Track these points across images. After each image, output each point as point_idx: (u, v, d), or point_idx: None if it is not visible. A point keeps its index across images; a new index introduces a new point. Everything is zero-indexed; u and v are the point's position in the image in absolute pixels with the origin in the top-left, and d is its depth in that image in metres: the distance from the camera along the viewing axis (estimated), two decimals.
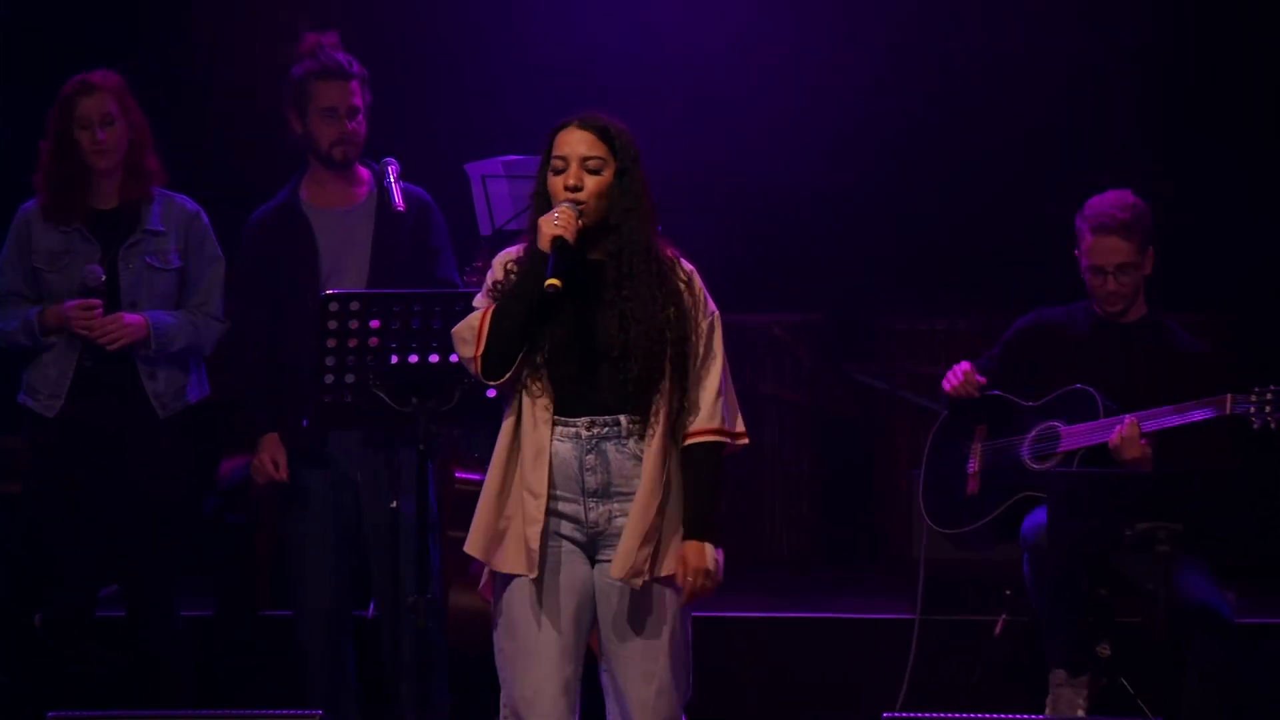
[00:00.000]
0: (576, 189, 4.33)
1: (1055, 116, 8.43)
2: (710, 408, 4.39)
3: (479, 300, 4.45)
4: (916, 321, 8.41)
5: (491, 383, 4.38)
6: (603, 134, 4.36)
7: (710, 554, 4.40)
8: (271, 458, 5.63)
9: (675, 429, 4.40)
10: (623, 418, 4.35)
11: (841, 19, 8.40)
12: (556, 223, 4.30)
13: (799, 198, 8.61)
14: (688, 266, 4.50)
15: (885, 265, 8.50)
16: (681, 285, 4.42)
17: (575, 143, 4.34)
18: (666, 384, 4.37)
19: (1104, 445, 5.61)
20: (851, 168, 8.54)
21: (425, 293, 5.08)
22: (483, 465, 6.01)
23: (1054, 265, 6.42)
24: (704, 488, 4.40)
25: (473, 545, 4.43)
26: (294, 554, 5.70)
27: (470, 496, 4.67)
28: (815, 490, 8.49)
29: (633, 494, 4.36)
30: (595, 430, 4.35)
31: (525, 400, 4.38)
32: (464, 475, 6.19)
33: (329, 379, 5.04)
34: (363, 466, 5.57)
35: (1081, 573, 5.53)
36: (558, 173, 4.37)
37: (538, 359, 4.35)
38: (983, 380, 5.97)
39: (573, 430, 4.36)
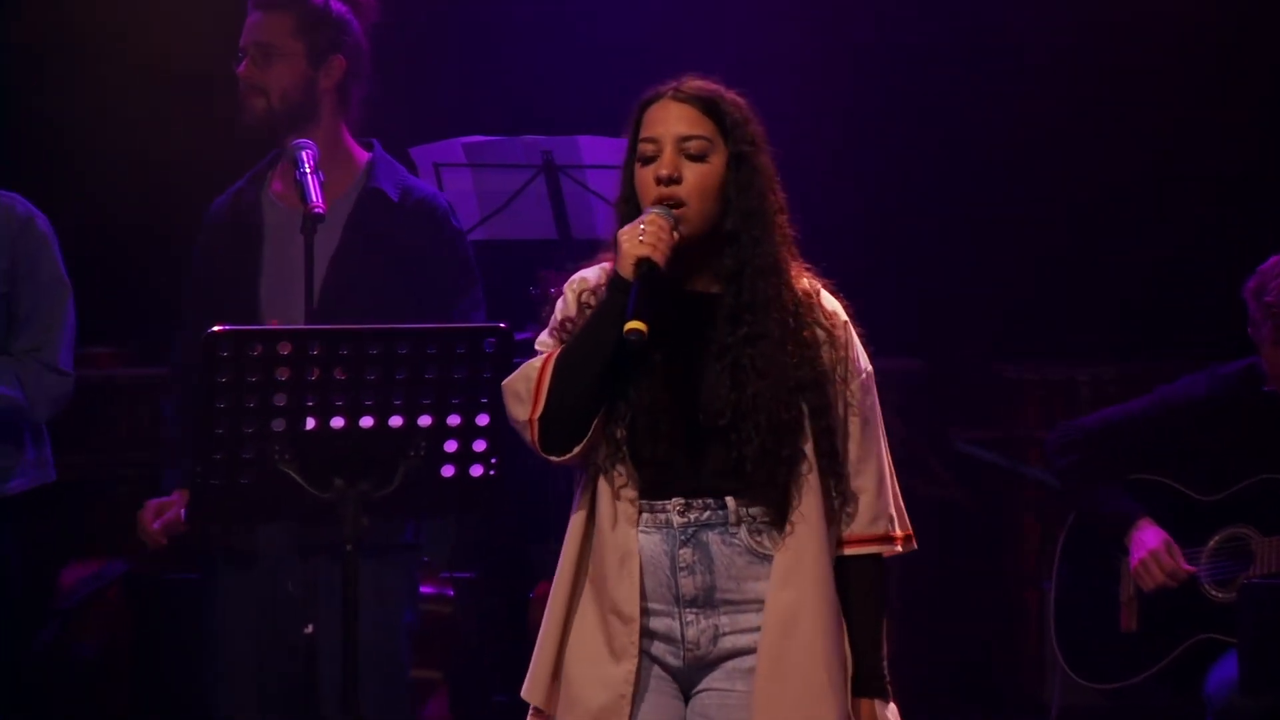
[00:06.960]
0: (672, 180, 4.15)
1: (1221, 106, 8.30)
2: (873, 505, 4.24)
3: (543, 341, 4.23)
4: (1047, 369, 8.26)
5: (555, 458, 4.20)
6: (708, 107, 4.18)
7: (887, 717, 4.25)
8: (158, 506, 5.50)
9: (833, 532, 4.24)
10: (730, 500, 4.19)
11: (949, 19, 8.44)
12: (643, 238, 4.08)
13: (885, 205, 8.40)
14: (830, 305, 4.24)
15: (1003, 293, 8.34)
16: (820, 333, 4.23)
17: (671, 119, 4.19)
18: (813, 470, 4.19)
19: None
20: (957, 167, 8.35)
21: (356, 330, 4.78)
22: (436, 572, 5.90)
23: (1233, 291, 6.32)
24: (871, 620, 4.27)
25: (533, 691, 4.27)
26: (210, 661, 5.56)
27: (424, 617, 4.54)
28: (906, 610, 8.37)
29: (748, 604, 4.19)
30: (691, 515, 4.21)
31: (603, 488, 4.20)
32: None
33: (218, 454, 4.72)
34: (277, 576, 5.46)
35: None
36: (647, 161, 4.18)
37: (617, 433, 4.17)
38: (1190, 569, 5.71)
39: (661, 517, 4.22)
